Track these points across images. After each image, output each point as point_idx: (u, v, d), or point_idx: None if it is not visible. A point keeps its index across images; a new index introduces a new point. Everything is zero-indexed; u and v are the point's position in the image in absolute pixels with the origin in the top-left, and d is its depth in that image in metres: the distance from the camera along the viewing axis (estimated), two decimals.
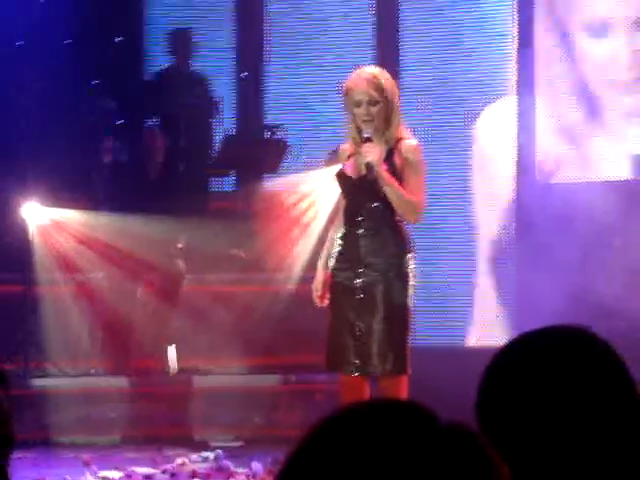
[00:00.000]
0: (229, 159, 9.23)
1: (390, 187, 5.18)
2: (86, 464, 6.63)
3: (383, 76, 5.31)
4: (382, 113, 5.24)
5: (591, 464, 1.64)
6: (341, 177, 5.38)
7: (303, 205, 8.18)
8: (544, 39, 8.25)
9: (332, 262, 5.38)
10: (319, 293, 5.38)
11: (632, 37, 8.17)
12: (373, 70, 5.40)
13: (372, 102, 5.23)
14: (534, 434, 1.64)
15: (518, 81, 8.30)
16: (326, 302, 5.38)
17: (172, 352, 8.03)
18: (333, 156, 6.77)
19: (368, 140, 5.20)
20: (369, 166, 5.17)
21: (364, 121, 5.22)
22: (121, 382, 7.81)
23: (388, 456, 1.20)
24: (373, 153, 5.16)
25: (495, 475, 1.20)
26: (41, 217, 8.19)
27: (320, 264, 5.44)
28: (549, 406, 1.66)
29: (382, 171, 5.16)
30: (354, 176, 5.32)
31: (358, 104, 5.24)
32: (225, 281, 8.19)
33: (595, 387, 1.67)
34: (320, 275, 5.41)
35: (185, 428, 7.56)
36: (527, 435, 1.63)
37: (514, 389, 1.69)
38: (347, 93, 5.29)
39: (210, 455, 6.88)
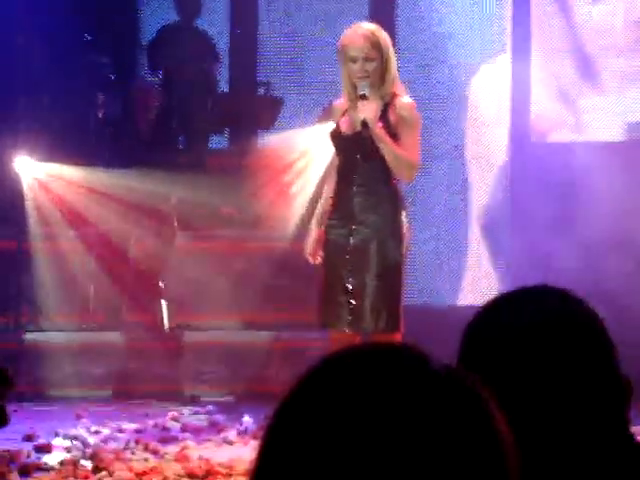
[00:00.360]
0: (223, 116, 9.20)
1: (385, 145, 5.18)
2: (78, 417, 6.66)
3: (380, 33, 5.29)
4: (378, 70, 5.22)
5: (572, 423, 1.67)
6: (335, 134, 5.37)
7: (297, 162, 8.16)
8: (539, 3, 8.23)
9: (325, 219, 5.39)
10: (311, 250, 5.39)
11: (629, 2, 8.15)
12: (370, 26, 5.38)
13: (368, 58, 5.21)
14: (514, 391, 1.67)
15: (513, 40, 8.27)
16: (318, 260, 5.39)
17: (163, 308, 8.04)
18: (326, 113, 6.76)
19: (363, 97, 5.18)
20: (364, 123, 5.16)
21: (359, 77, 5.21)
22: (114, 337, 7.83)
23: (381, 399, 1.20)
24: (368, 110, 5.15)
25: (493, 420, 1.20)
26: (34, 171, 8.17)
27: (313, 222, 5.45)
28: (527, 364, 1.69)
29: (377, 128, 5.16)
30: (348, 133, 5.31)
31: (354, 60, 5.22)
32: (218, 238, 8.19)
33: (574, 348, 1.70)
34: (313, 233, 5.42)
35: (177, 383, 7.59)
36: (507, 392, 1.65)
37: (494, 347, 1.72)
38: (342, 49, 5.28)
39: (201, 410, 6.91)
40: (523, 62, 8.18)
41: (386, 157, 5.18)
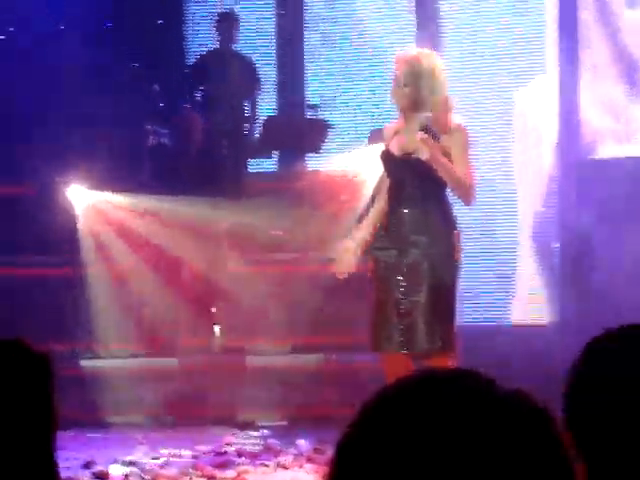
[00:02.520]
0: (271, 140, 9.25)
1: (446, 171, 5.19)
2: (136, 444, 6.70)
3: (425, 59, 5.30)
4: (412, 95, 5.23)
5: None
6: (386, 156, 5.39)
7: (346, 185, 8.19)
8: (585, 11, 8.20)
9: (375, 241, 5.40)
10: (343, 261, 5.35)
11: None
12: (418, 51, 5.42)
13: (408, 83, 5.24)
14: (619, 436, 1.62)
15: (559, 53, 8.26)
16: (344, 274, 5.35)
17: (216, 332, 8.09)
18: (375, 135, 6.78)
19: (424, 130, 5.20)
20: (417, 154, 5.20)
21: (401, 99, 5.24)
22: (169, 363, 7.88)
23: (447, 426, 1.20)
24: (426, 146, 5.16)
25: (561, 445, 1.21)
26: (87, 200, 8.26)
27: (356, 236, 5.41)
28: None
29: (437, 157, 5.17)
30: (399, 154, 5.34)
31: (399, 82, 5.27)
32: (268, 261, 8.23)
33: None
34: (351, 245, 5.38)
35: (231, 408, 7.62)
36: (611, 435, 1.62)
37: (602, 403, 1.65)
38: (394, 71, 5.33)
39: (256, 434, 6.93)
40: (570, 75, 8.16)
41: (445, 179, 5.20)
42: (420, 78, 5.23)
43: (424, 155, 5.16)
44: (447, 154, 5.23)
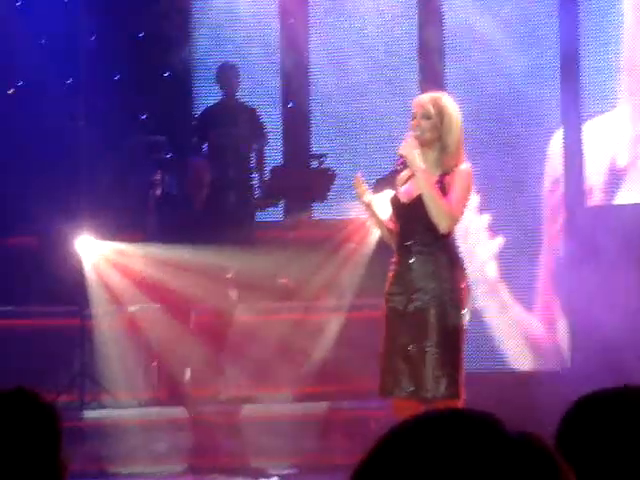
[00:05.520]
0: (276, 189, 9.30)
1: (425, 185, 5.20)
2: None
3: (446, 99, 5.36)
4: (434, 130, 5.27)
5: None
6: (394, 202, 5.42)
7: (351, 233, 8.22)
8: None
9: (386, 287, 5.42)
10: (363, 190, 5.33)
11: None
12: (439, 93, 5.48)
13: (426, 116, 5.28)
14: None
15: (562, 108, 8.33)
16: (367, 197, 5.33)
17: (223, 381, 8.09)
18: (381, 183, 6.82)
19: (402, 157, 5.24)
20: (402, 158, 5.22)
21: (427, 131, 5.26)
22: (175, 412, 7.86)
23: (457, 466, 1.21)
24: (408, 146, 5.20)
25: None
26: (94, 250, 8.29)
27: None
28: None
29: (418, 167, 5.19)
30: (406, 201, 5.37)
31: (413, 116, 5.30)
32: (276, 309, 8.24)
33: None
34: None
35: (241, 457, 7.59)
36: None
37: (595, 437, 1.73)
38: (421, 106, 5.35)
39: None
40: (574, 127, 8.23)
41: (423, 197, 5.21)
42: (445, 114, 5.28)
43: (415, 163, 5.17)
44: (444, 191, 5.26)
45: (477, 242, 8.14)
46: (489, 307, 8.20)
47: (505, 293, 8.31)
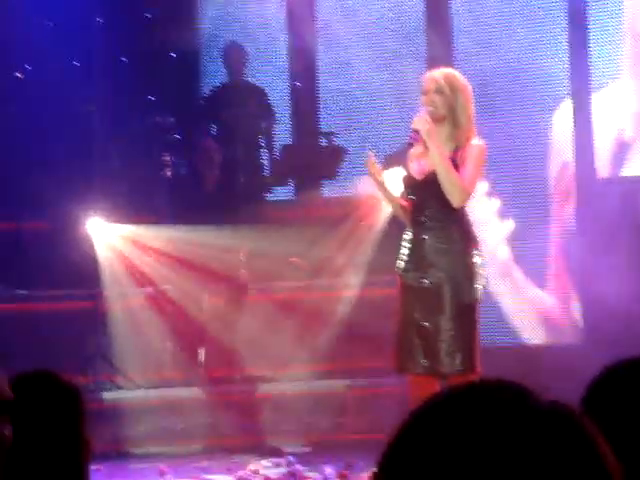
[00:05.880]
0: (286, 168, 9.30)
1: (438, 158, 5.22)
2: (161, 473, 6.72)
3: (459, 77, 5.38)
4: (446, 105, 5.28)
5: None
6: (408, 179, 5.43)
7: (362, 210, 8.22)
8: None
9: (399, 264, 5.43)
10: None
11: None
12: (450, 69, 5.50)
13: (439, 91, 5.29)
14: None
15: (571, 80, 8.30)
16: (380, 175, 5.32)
17: (237, 360, 8.11)
18: (390, 160, 6.81)
19: (415, 132, 5.24)
20: (415, 132, 5.23)
21: (442, 106, 5.27)
22: (191, 392, 7.89)
23: (490, 438, 1.21)
24: (421, 121, 5.21)
25: (603, 460, 1.22)
26: (106, 232, 8.31)
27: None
28: None
29: (431, 139, 5.19)
30: (419, 178, 5.38)
31: (425, 92, 5.31)
32: (288, 288, 8.26)
33: None
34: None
35: (255, 436, 7.62)
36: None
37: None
38: (421, 85, 5.37)
39: (282, 461, 6.94)
40: (584, 99, 8.21)
41: (437, 171, 5.23)
42: (457, 90, 5.29)
43: (430, 137, 5.16)
44: (457, 166, 5.28)
45: (488, 226, 8.13)
46: (503, 288, 8.20)
47: (518, 273, 8.31)
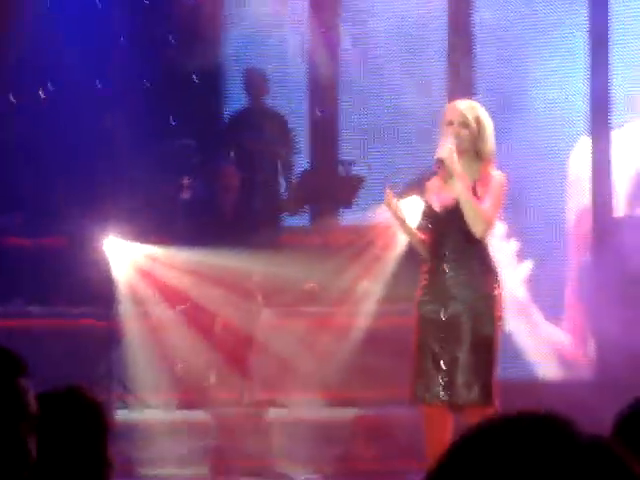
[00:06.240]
0: (304, 194, 9.32)
1: (463, 188, 5.23)
2: None
3: (481, 110, 5.40)
4: (472, 138, 5.30)
5: None
6: (428, 212, 5.44)
7: (378, 239, 8.23)
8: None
9: (418, 294, 5.43)
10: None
11: None
12: (474, 102, 5.52)
13: (464, 124, 5.30)
14: None
15: (591, 119, 8.32)
16: (400, 212, 5.31)
17: (249, 385, 8.11)
18: (407, 189, 6.83)
19: (440, 162, 5.25)
20: (440, 161, 5.24)
21: (465, 140, 5.28)
22: (203, 415, 7.89)
23: (529, 472, 1.22)
24: (445, 149, 5.22)
25: None
26: (122, 252, 8.33)
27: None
28: None
29: (456, 170, 5.20)
30: (441, 210, 5.39)
31: (449, 123, 5.32)
32: (303, 314, 8.26)
33: None
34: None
35: (266, 461, 7.61)
36: None
37: None
38: (444, 116, 5.38)
39: None
40: (603, 139, 8.21)
41: (460, 202, 5.24)
42: (482, 124, 5.31)
43: (455, 167, 5.17)
44: (478, 197, 5.29)
45: (506, 268, 8.13)
46: (520, 328, 8.21)
47: (536, 314, 8.32)
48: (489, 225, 5.30)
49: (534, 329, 8.30)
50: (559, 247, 8.44)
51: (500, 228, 7.46)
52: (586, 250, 8.36)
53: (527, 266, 8.33)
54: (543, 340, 8.32)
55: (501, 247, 7.94)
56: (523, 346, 8.28)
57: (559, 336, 8.35)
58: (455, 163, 5.22)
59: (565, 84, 8.49)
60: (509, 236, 8.17)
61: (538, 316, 8.32)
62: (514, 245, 8.30)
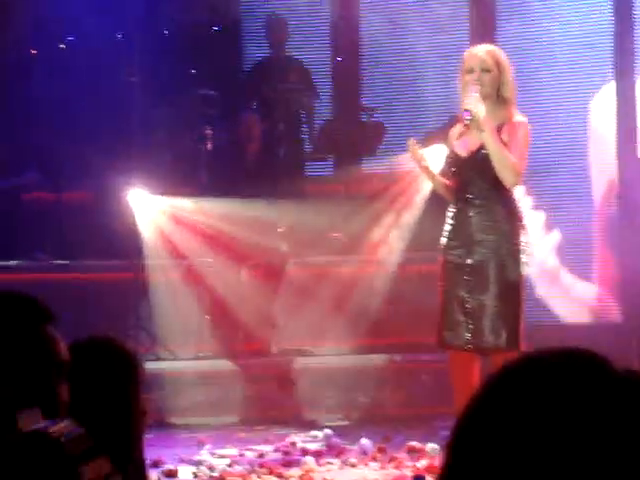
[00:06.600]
0: (326, 143, 9.30)
1: (491, 139, 5.21)
2: (201, 444, 6.77)
3: (501, 53, 5.38)
4: (494, 83, 5.28)
5: None
6: (452, 157, 5.43)
7: (401, 186, 8.22)
8: None
9: (443, 240, 5.44)
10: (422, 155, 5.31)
11: None
12: (491, 46, 5.49)
13: (485, 69, 5.28)
14: None
15: (618, 59, 8.24)
16: (424, 161, 5.32)
17: (275, 334, 8.15)
18: (431, 136, 6.81)
19: (467, 112, 5.22)
20: (470, 117, 5.21)
21: (473, 85, 5.26)
22: (230, 364, 7.94)
23: (565, 406, 1.21)
24: (473, 103, 5.20)
25: None
26: (147, 204, 8.35)
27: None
28: None
29: (484, 120, 5.19)
30: (465, 155, 5.38)
31: (470, 70, 5.30)
32: (328, 263, 8.28)
33: None
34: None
35: (293, 409, 7.67)
36: None
37: None
38: (463, 62, 5.35)
39: (319, 434, 6.97)
40: (628, 79, 8.15)
41: (491, 153, 5.23)
42: (503, 67, 5.29)
43: (482, 117, 5.16)
44: (504, 143, 5.28)
45: (535, 239, 8.11)
46: (552, 294, 8.21)
47: (566, 276, 8.30)
48: (519, 174, 5.29)
49: (566, 293, 8.30)
50: (587, 200, 8.40)
51: (526, 201, 7.41)
52: (613, 198, 8.32)
53: (555, 236, 8.29)
54: (575, 301, 8.32)
55: (528, 220, 7.92)
56: (555, 308, 8.28)
57: (591, 291, 8.34)
58: (482, 113, 5.20)
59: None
60: (536, 207, 8.11)
61: (569, 278, 8.31)
62: (541, 216, 8.24)
